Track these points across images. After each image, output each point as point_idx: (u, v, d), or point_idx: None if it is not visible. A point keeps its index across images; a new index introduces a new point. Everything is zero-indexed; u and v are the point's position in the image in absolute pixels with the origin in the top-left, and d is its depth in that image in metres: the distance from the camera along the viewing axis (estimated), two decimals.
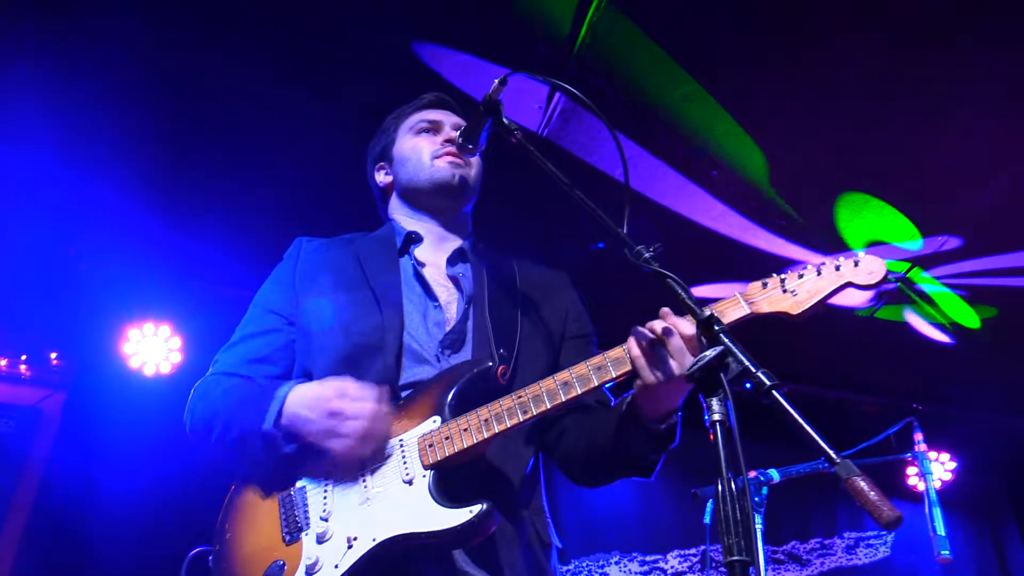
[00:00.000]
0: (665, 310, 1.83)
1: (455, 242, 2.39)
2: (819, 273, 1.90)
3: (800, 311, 1.86)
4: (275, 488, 2.02)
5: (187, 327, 5.46)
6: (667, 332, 1.79)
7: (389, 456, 1.93)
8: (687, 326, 1.79)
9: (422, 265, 2.27)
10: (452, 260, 2.32)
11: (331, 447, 1.89)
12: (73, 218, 5.10)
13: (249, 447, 2.00)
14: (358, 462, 1.92)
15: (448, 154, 2.35)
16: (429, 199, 2.39)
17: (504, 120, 2.11)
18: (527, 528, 2.02)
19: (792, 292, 1.88)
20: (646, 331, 1.82)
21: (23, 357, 5.52)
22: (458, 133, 2.28)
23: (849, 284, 1.89)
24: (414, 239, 2.35)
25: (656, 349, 1.81)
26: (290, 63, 4.16)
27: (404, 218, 2.44)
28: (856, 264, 1.89)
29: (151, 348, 5.39)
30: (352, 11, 3.90)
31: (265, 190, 4.86)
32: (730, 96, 4.34)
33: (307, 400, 1.93)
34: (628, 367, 1.86)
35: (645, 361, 1.82)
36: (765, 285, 1.91)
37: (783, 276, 1.92)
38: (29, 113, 4.38)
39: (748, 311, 1.87)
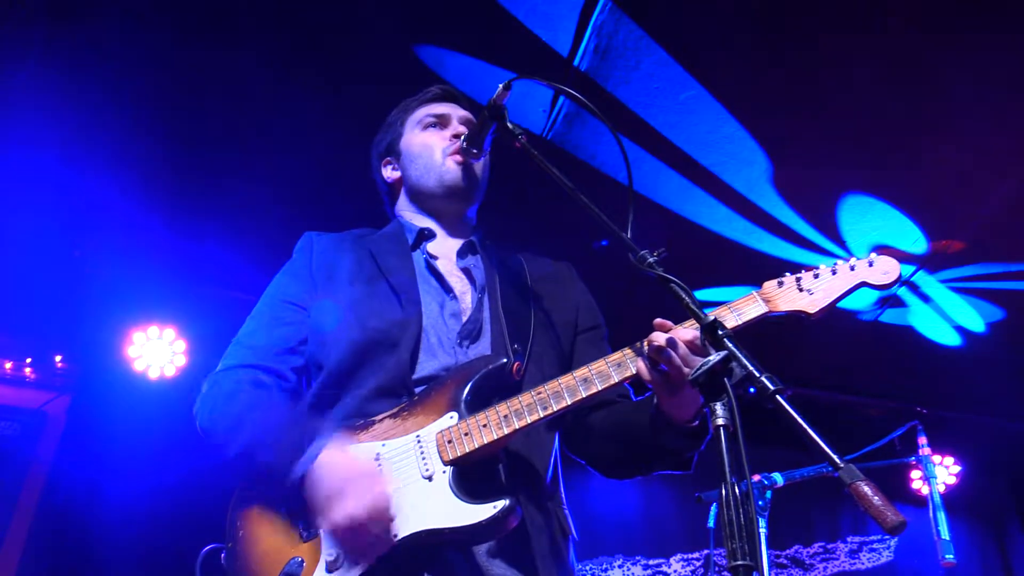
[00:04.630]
0: (659, 321, 1.84)
1: (464, 236, 2.39)
2: (834, 272, 1.94)
3: (817, 310, 1.90)
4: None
5: (192, 330, 5.47)
6: (671, 344, 1.79)
7: (406, 452, 1.92)
8: (687, 332, 1.80)
9: (434, 258, 2.27)
10: (462, 253, 2.33)
11: (325, 521, 1.84)
12: (78, 221, 5.11)
13: (268, 483, 1.95)
14: (319, 537, 1.86)
15: (458, 152, 2.33)
16: (438, 200, 2.38)
17: (508, 124, 2.11)
18: (553, 519, 2.04)
19: (808, 291, 1.92)
20: (654, 349, 1.82)
21: (28, 360, 5.53)
22: (462, 138, 2.30)
23: (864, 284, 1.92)
24: (426, 235, 2.35)
25: (666, 366, 1.81)
26: (294, 67, 4.17)
27: (413, 215, 2.44)
28: (871, 264, 1.93)
29: (156, 351, 5.39)
30: (355, 15, 3.91)
31: (270, 193, 4.87)
32: (733, 99, 4.35)
33: (330, 472, 1.86)
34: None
35: (661, 380, 1.83)
36: (781, 284, 1.94)
37: (798, 276, 1.95)
38: (34, 115, 4.39)
39: (765, 309, 1.90)
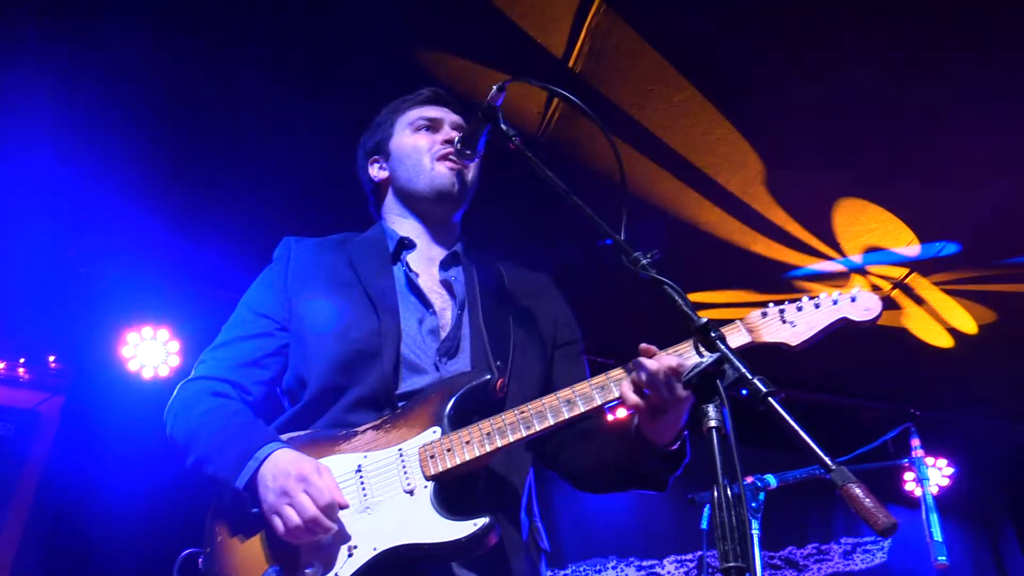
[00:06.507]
0: (644, 346, 1.85)
1: (448, 244, 2.37)
2: (817, 306, 1.95)
3: (799, 342, 1.91)
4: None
5: (186, 331, 5.45)
6: (655, 370, 1.80)
7: (388, 465, 1.91)
8: (671, 359, 1.81)
9: (416, 275, 2.25)
10: (445, 264, 2.31)
11: (275, 525, 1.84)
12: (72, 221, 5.10)
13: (218, 493, 1.97)
14: (297, 547, 1.85)
15: (448, 157, 2.31)
16: (427, 204, 2.36)
17: (502, 126, 2.11)
18: (529, 537, 2.04)
19: (791, 323, 1.93)
20: (638, 375, 1.83)
21: (21, 360, 5.51)
22: (456, 139, 2.28)
23: (845, 320, 1.94)
24: (407, 245, 2.32)
25: (650, 391, 1.82)
26: (289, 70, 4.16)
27: (397, 218, 2.41)
28: (853, 300, 1.94)
29: (150, 351, 5.38)
30: (351, 17, 3.91)
31: (264, 194, 4.87)
32: (728, 100, 4.35)
33: (276, 470, 1.87)
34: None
35: (643, 404, 1.84)
36: (764, 315, 1.96)
37: (782, 307, 1.97)
38: (30, 116, 4.38)
39: (749, 339, 1.92)
